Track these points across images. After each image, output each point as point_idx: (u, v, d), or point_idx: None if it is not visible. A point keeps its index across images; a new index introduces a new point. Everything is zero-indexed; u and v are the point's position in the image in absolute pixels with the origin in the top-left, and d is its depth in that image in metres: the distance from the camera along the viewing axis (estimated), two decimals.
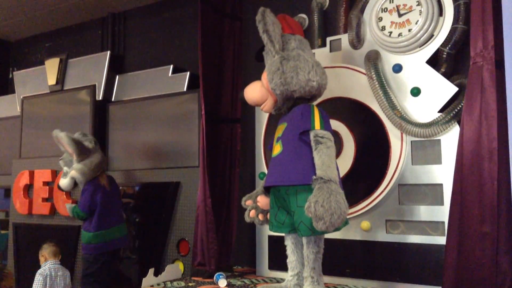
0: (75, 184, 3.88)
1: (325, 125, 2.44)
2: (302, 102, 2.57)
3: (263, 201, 2.69)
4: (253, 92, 2.65)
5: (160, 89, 4.28)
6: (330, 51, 3.25)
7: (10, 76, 5.94)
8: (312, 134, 2.40)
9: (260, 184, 2.82)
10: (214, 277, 3.15)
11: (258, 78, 2.68)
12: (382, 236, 2.93)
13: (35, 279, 3.65)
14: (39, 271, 3.68)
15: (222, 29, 3.67)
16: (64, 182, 3.89)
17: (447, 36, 2.81)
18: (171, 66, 4.29)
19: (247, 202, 2.75)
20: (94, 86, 4.56)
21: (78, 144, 3.78)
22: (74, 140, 3.77)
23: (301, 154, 2.40)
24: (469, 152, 2.42)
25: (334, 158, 2.38)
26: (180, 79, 4.20)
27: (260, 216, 2.70)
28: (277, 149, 2.52)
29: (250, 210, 2.71)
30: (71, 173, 3.79)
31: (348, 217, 2.50)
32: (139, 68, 4.60)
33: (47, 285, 3.62)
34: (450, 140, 2.74)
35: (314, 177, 2.28)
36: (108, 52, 4.67)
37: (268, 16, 2.53)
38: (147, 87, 4.38)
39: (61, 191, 4.09)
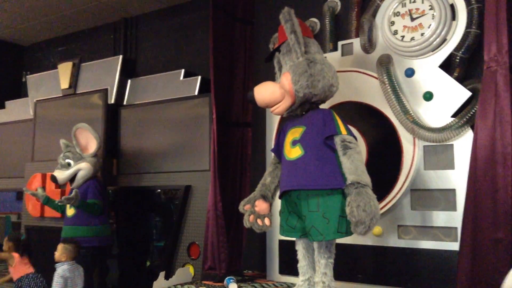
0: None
1: (349, 131, 2.44)
2: (316, 105, 2.57)
3: (261, 205, 2.63)
4: (266, 92, 2.57)
5: (172, 93, 4.30)
6: (342, 55, 3.24)
7: (23, 79, 6.00)
8: (338, 139, 2.39)
9: (257, 188, 2.77)
10: (225, 281, 3.15)
11: (269, 81, 2.67)
12: (394, 241, 2.91)
13: (55, 281, 3.68)
14: (59, 273, 3.71)
15: (233, 33, 3.68)
16: (66, 173, 3.91)
17: (460, 40, 2.80)
18: (183, 70, 4.31)
19: (245, 206, 2.66)
20: (106, 90, 4.59)
21: (100, 141, 3.93)
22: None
23: (326, 158, 2.39)
24: (483, 157, 2.40)
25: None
26: (191, 83, 4.22)
27: (259, 221, 2.61)
28: (296, 152, 2.47)
29: (249, 215, 2.63)
30: (81, 165, 3.87)
31: None
32: (150, 72, 4.63)
33: (68, 286, 3.66)
34: (463, 145, 2.72)
35: (349, 181, 2.27)
36: (120, 56, 4.70)
37: (295, 17, 2.51)
38: (159, 91, 4.40)
39: (55, 183, 4.07)
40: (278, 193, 2.68)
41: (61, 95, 4.95)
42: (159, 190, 4.31)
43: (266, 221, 2.62)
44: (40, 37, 5.90)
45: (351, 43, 3.22)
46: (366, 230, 2.21)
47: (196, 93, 4.15)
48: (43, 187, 4.24)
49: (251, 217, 2.62)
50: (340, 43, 3.29)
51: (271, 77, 2.83)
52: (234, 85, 3.66)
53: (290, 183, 2.49)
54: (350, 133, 2.44)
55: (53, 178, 3.93)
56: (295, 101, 2.50)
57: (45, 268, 3.92)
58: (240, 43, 3.69)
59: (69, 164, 3.91)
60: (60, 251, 3.74)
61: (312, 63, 2.47)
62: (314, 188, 2.38)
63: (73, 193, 3.71)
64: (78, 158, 3.92)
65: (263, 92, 2.58)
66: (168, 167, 4.19)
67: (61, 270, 3.68)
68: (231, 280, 3.10)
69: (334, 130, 2.41)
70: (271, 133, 3.48)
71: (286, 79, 2.49)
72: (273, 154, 2.79)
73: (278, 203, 2.75)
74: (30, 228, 4.79)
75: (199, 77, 4.18)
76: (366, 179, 2.30)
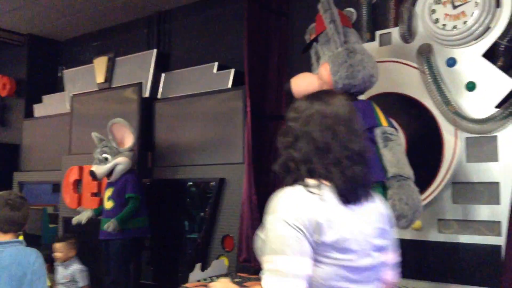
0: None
1: (390, 122, 2.40)
2: (355, 97, 2.53)
3: None
4: (303, 83, 2.54)
5: (205, 86, 4.31)
6: (380, 45, 3.18)
7: (60, 74, 6.12)
8: (379, 131, 2.35)
9: None
10: (260, 273, 3.14)
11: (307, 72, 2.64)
12: (434, 235, 2.85)
13: (83, 276, 3.79)
14: (81, 268, 3.83)
15: (267, 26, 3.66)
16: (104, 168, 3.96)
17: (505, 29, 2.70)
18: (216, 63, 4.31)
19: None
20: (141, 83, 4.63)
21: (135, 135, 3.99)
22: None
23: None
24: None
25: None
26: (225, 76, 4.21)
27: None
28: None
29: None
30: (119, 159, 3.93)
31: None
32: (184, 66, 4.64)
33: None
34: (507, 137, 2.64)
35: (390, 174, 2.24)
36: (155, 50, 4.74)
37: (334, 6, 2.47)
38: (193, 84, 4.42)
39: (94, 178, 4.13)
40: None
41: (96, 89, 5.03)
42: (190, 183, 4.32)
43: None
44: (76, 33, 6.00)
45: (389, 32, 3.15)
46: (408, 224, 2.18)
47: (230, 86, 4.15)
48: (89, 210, 4.19)
49: None
50: (377, 32, 3.22)
51: (306, 69, 2.80)
52: (268, 78, 3.65)
53: None
54: (391, 124, 2.40)
55: (92, 174, 4.01)
56: None
57: (81, 258, 4.00)
58: (275, 35, 3.67)
59: (106, 159, 3.96)
60: (67, 248, 3.85)
61: (352, 53, 2.43)
62: None
63: (112, 226, 3.69)
64: (115, 153, 3.97)
65: (301, 83, 2.55)
66: (202, 160, 4.21)
67: (79, 264, 3.80)
68: None
69: (375, 122, 2.36)
70: None
71: (325, 70, 2.46)
72: None
73: None
74: (68, 220, 4.89)
75: (233, 70, 4.18)
76: (409, 171, 2.26)
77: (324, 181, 1.29)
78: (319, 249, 1.23)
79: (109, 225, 3.66)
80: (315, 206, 1.24)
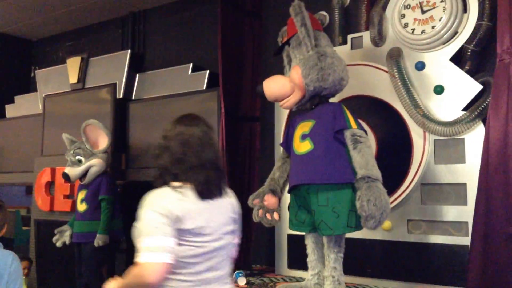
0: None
1: (359, 125, 2.43)
2: (326, 99, 2.56)
3: (270, 200, 2.64)
4: (275, 86, 2.57)
5: (180, 88, 4.29)
6: (351, 48, 3.22)
7: (32, 74, 6.03)
8: (349, 133, 2.38)
9: (266, 182, 2.77)
10: (234, 275, 3.15)
11: (278, 74, 2.66)
12: (404, 236, 2.89)
13: None
14: None
15: (241, 27, 3.66)
16: (77, 170, 3.89)
17: (472, 33, 2.76)
18: (191, 65, 4.30)
19: (254, 201, 2.68)
20: (115, 84, 4.59)
21: (111, 136, 3.93)
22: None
23: (336, 152, 2.39)
24: (495, 151, 2.37)
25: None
26: (200, 77, 4.21)
27: (268, 216, 2.64)
28: (305, 146, 2.47)
29: (258, 210, 2.65)
30: (93, 161, 3.87)
31: None
32: (159, 67, 4.62)
33: None
34: (474, 139, 2.70)
35: (359, 176, 2.27)
36: (129, 50, 4.70)
37: (305, 10, 2.50)
38: (167, 85, 4.40)
39: (67, 181, 4.05)
40: (287, 188, 2.68)
41: (69, 89, 4.96)
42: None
43: (275, 215, 2.62)
44: (48, 32, 5.91)
45: (361, 36, 3.19)
46: (376, 225, 2.22)
47: (205, 87, 4.14)
48: (66, 227, 4.09)
49: (260, 211, 2.63)
50: (349, 36, 3.26)
51: (280, 71, 2.81)
52: (243, 79, 3.65)
53: (300, 177, 2.48)
54: (360, 127, 2.43)
55: (65, 176, 3.94)
56: (305, 94, 2.49)
57: (54, 261, 3.95)
58: (249, 37, 3.68)
59: (79, 161, 3.91)
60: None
61: (323, 57, 2.46)
62: (324, 183, 2.37)
63: (100, 241, 3.66)
64: (89, 155, 3.91)
65: (273, 86, 2.57)
66: None
67: None
68: (240, 274, 3.10)
69: (344, 124, 2.39)
70: (279, 128, 3.47)
71: (296, 73, 2.48)
72: (281, 148, 2.78)
73: (287, 197, 2.75)
74: (40, 222, 4.82)
75: (207, 72, 4.17)
76: (377, 173, 2.30)
77: (185, 183, 1.69)
78: (180, 234, 1.61)
79: (98, 242, 3.64)
80: (177, 201, 1.64)
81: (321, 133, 2.44)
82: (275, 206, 2.65)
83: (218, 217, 1.73)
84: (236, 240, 1.85)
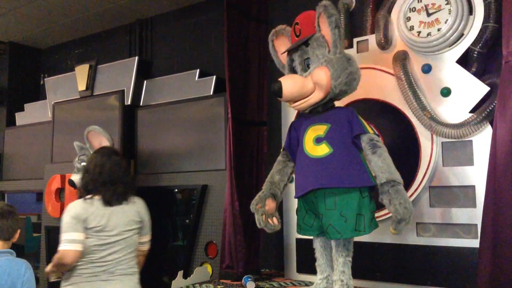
0: None
1: (373, 130, 2.45)
2: (332, 103, 2.56)
3: (270, 205, 2.61)
4: (296, 85, 2.46)
5: (187, 93, 4.32)
6: (357, 52, 3.22)
7: (42, 82, 6.09)
8: (366, 138, 2.38)
9: (265, 186, 2.73)
10: (243, 279, 3.16)
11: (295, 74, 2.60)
12: (413, 239, 2.89)
13: None
14: None
15: (247, 33, 3.68)
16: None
17: (478, 35, 2.75)
18: (198, 70, 4.33)
19: (257, 206, 2.61)
20: (123, 91, 4.63)
21: (112, 141, 3.93)
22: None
23: (354, 156, 2.39)
24: (502, 153, 2.36)
25: None
26: (207, 83, 4.23)
27: (270, 221, 2.58)
28: (322, 150, 2.41)
29: (261, 215, 2.59)
30: None
31: (378, 219, 2.47)
32: (166, 73, 4.65)
33: None
34: (482, 141, 2.68)
35: (384, 180, 2.28)
36: (136, 57, 4.73)
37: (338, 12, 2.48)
38: (174, 91, 4.43)
39: (74, 187, 4.10)
40: (287, 192, 2.66)
41: (78, 97, 5.01)
42: (176, 190, 4.33)
43: (274, 220, 2.60)
44: (57, 40, 5.98)
45: (367, 39, 3.19)
46: (405, 227, 2.25)
47: (212, 92, 4.17)
48: None
49: (264, 216, 2.60)
50: (355, 40, 3.26)
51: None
52: (249, 84, 3.66)
53: (319, 181, 2.41)
54: (375, 132, 2.45)
55: (71, 183, 3.98)
56: (325, 96, 2.46)
57: None
58: (255, 42, 3.69)
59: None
60: None
61: (350, 61, 2.45)
62: (345, 186, 2.35)
63: None
64: None
65: (293, 84, 2.47)
66: (185, 167, 4.22)
67: None
68: (248, 279, 3.11)
69: (362, 129, 2.40)
70: (286, 132, 3.47)
71: (325, 74, 2.40)
72: (282, 151, 2.76)
73: (294, 202, 2.75)
74: (50, 229, 4.86)
75: (214, 77, 4.20)
76: (399, 177, 2.31)
77: (95, 195, 2.55)
78: (88, 231, 2.47)
79: None
80: (84, 208, 2.51)
81: (339, 137, 2.42)
82: (274, 211, 2.63)
83: (119, 218, 2.55)
84: (144, 238, 2.74)
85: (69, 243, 2.42)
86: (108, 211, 2.52)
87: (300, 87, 2.46)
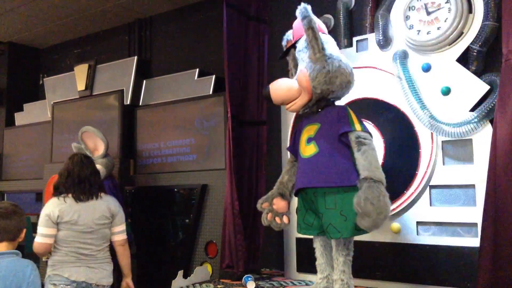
0: None
1: (364, 127, 2.42)
2: (332, 102, 2.56)
3: (279, 204, 2.63)
4: (282, 89, 2.54)
5: (186, 93, 4.32)
6: (357, 51, 3.22)
7: (41, 82, 6.09)
8: (353, 135, 2.37)
9: (275, 186, 2.77)
10: (243, 279, 3.15)
11: (284, 77, 2.65)
12: (413, 238, 2.88)
13: None
14: None
15: (247, 32, 3.67)
16: None
17: (477, 34, 2.74)
18: (197, 70, 4.33)
19: (263, 205, 2.66)
20: (122, 91, 4.62)
21: (107, 141, 3.91)
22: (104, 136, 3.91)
23: (342, 155, 2.38)
24: (502, 151, 2.35)
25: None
26: (206, 82, 4.23)
27: (277, 219, 2.61)
28: (310, 150, 2.46)
29: (267, 213, 2.64)
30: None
31: None
32: (165, 73, 4.65)
33: None
34: (482, 140, 2.68)
35: (361, 177, 2.25)
36: (135, 57, 4.74)
37: (312, 13, 2.49)
38: (174, 91, 4.42)
39: None
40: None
41: (77, 96, 5.01)
42: (176, 190, 4.32)
43: (285, 219, 2.62)
44: (56, 40, 5.97)
45: (366, 39, 3.19)
46: (372, 225, 2.17)
47: (211, 92, 4.16)
48: None
49: (269, 215, 2.62)
50: (355, 39, 3.26)
51: (285, 75, 2.82)
52: (249, 83, 3.66)
53: (306, 180, 2.48)
54: (365, 129, 2.42)
55: None
56: (311, 97, 2.49)
57: None
58: (254, 42, 3.69)
59: None
60: None
61: (330, 59, 2.45)
62: (329, 186, 2.37)
63: None
64: None
65: (279, 89, 2.55)
66: (184, 166, 4.21)
67: None
68: (249, 279, 3.11)
69: (349, 127, 2.39)
70: (286, 131, 3.47)
71: (303, 76, 2.47)
72: (289, 152, 2.78)
73: (295, 201, 2.75)
74: None
75: (214, 76, 4.19)
76: (380, 175, 2.27)
77: (67, 193, 3.00)
78: (60, 225, 2.93)
79: None
80: (58, 205, 2.96)
81: (326, 136, 2.44)
82: (285, 210, 2.64)
83: (90, 213, 2.98)
84: (115, 228, 3.11)
85: (42, 236, 2.93)
86: (79, 206, 2.98)
87: (286, 90, 2.53)
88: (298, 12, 2.50)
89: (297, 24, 2.63)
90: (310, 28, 2.44)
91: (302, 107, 2.55)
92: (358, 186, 2.26)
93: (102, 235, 3.05)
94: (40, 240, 2.92)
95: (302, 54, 2.55)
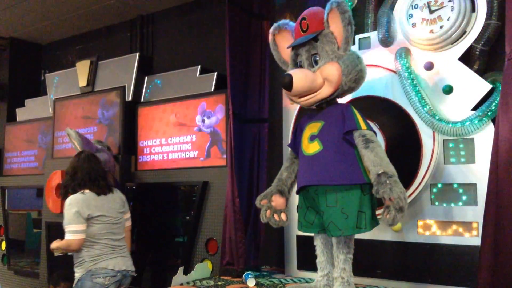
0: None
1: (369, 126, 2.42)
2: (335, 100, 2.55)
3: (277, 200, 2.62)
4: (307, 79, 2.43)
5: (188, 90, 4.31)
6: (359, 49, 3.21)
7: (42, 78, 6.09)
8: (358, 134, 2.36)
9: (273, 183, 2.76)
10: (243, 276, 3.16)
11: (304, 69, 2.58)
12: (414, 236, 2.88)
13: None
14: None
15: (249, 29, 3.67)
16: None
17: (480, 32, 2.74)
18: (199, 67, 4.32)
19: (262, 201, 2.65)
20: (124, 87, 4.62)
21: (84, 139, 3.87)
22: (80, 135, 3.85)
23: (345, 153, 2.37)
24: (504, 151, 2.35)
25: None
26: (208, 79, 4.22)
27: (276, 216, 2.60)
28: (314, 147, 2.45)
29: (266, 210, 2.62)
30: None
31: (378, 217, 2.46)
32: (167, 69, 4.65)
33: None
34: (484, 139, 2.68)
35: (377, 172, 2.22)
36: (137, 53, 4.73)
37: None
38: (175, 87, 4.42)
39: None
40: (295, 188, 2.67)
41: (79, 93, 5.01)
42: (177, 186, 4.33)
43: (283, 216, 2.61)
44: (58, 36, 5.97)
45: (369, 37, 3.18)
46: (399, 220, 2.16)
47: (213, 89, 4.16)
48: None
49: (268, 212, 2.62)
50: (357, 37, 3.24)
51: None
52: (250, 81, 3.66)
53: (308, 178, 2.47)
54: (369, 128, 2.42)
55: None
56: (334, 92, 2.46)
57: (65, 264, 3.97)
58: (256, 39, 3.68)
59: None
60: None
61: (360, 59, 2.46)
62: (333, 184, 2.36)
63: None
64: None
65: (305, 78, 2.44)
66: (186, 163, 4.21)
67: None
68: (249, 276, 3.11)
69: (354, 126, 2.38)
70: (287, 129, 3.47)
71: (336, 70, 2.41)
72: (289, 149, 2.78)
73: (295, 198, 2.75)
74: (50, 224, 4.86)
75: (215, 74, 4.19)
76: (393, 170, 2.26)
77: (86, 189, 3.20)
78: (90, 219, 3.10)
79: None
80: (82, 200, 3.13)
81: (330, 134, 2.43)
82: (283, 207, 2.63)
83: (112, 205, 3.27)
84: (126, 215, 3.44)
85: (75, 233, 3.05)
86: (103, 201, 3.22)
87: (311, 81, 2.44)
88: (334, 6, 2.39)
89: (315, 15, 2.53)
90: (350, 24, 2.41)
91: (320, 100, 2.50)
92: (377, 181, 2.21)
93: (122, 224, 3.35)
94: (74, 237, 3.05)
95: (326, 47, 2.45)
